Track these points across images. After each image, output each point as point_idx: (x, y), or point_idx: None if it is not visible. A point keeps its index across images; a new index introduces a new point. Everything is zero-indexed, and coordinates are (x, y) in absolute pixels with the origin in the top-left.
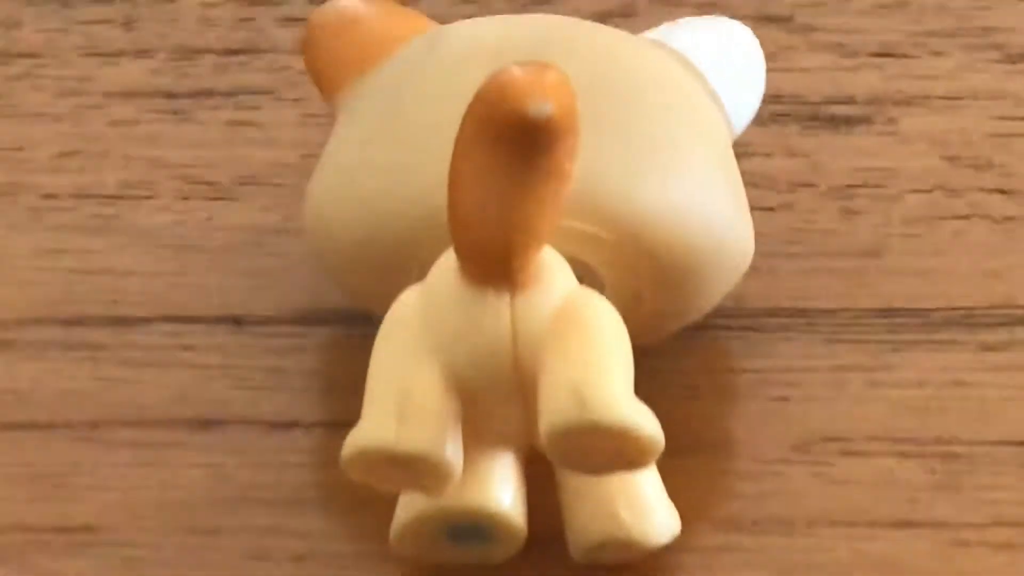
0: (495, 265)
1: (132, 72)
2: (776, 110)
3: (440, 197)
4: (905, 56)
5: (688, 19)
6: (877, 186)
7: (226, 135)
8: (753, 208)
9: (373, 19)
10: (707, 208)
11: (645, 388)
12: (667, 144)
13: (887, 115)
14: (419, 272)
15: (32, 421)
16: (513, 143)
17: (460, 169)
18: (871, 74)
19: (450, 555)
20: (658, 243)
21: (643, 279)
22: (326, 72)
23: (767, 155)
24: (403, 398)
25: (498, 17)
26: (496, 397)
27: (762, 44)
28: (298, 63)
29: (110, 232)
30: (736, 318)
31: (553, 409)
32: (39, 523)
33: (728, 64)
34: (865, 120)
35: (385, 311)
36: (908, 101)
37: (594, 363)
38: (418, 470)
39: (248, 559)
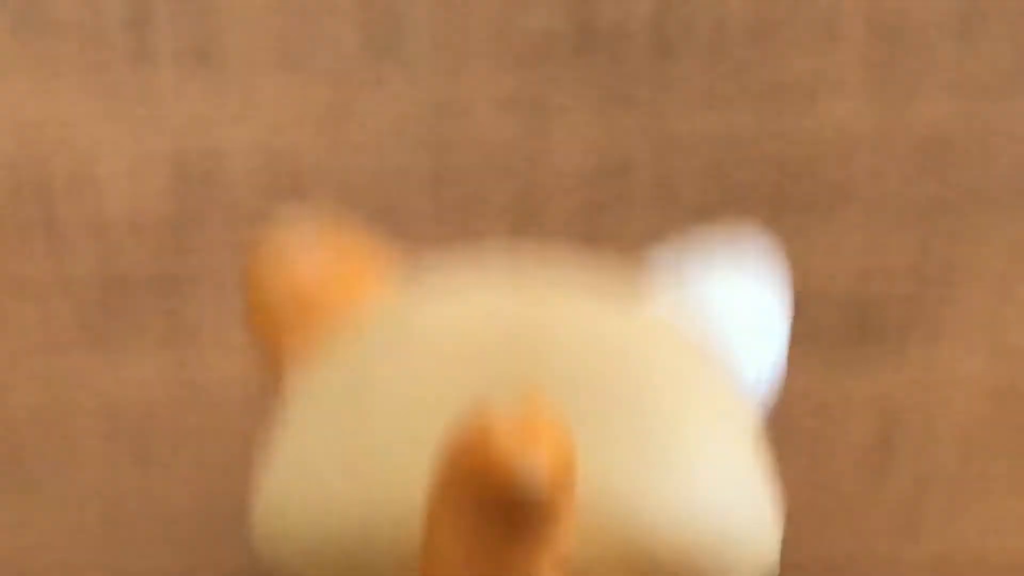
0: None
1: None
2: None
3: (415, 526)
4: None
5: (696, 268)
6: None
7: None
8: None
9: (317, 279)
10: (720, 531)
11: None
12: (671, 460)
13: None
14: None
15: None
16: (497, 522)
17: (434, 541)
18: None
19: None
20: None
21: None
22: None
23: None
24: None
25: (474, 288)
26: None
27: None
28: None
29: None
30: None
31: None
32: None
33: (747, 330)
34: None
35: None
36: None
37: None
38: None
39: None
